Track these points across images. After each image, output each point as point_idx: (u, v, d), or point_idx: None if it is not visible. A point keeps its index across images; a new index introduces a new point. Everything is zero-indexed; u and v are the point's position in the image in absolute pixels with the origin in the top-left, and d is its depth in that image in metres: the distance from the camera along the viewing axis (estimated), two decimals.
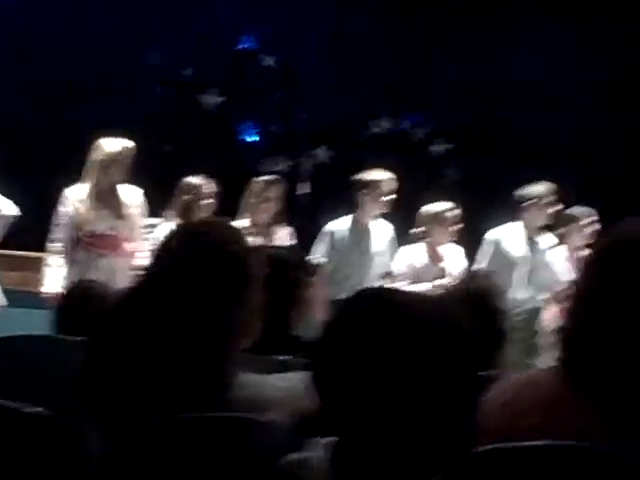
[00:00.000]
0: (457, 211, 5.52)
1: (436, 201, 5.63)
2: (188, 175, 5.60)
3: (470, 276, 3.96)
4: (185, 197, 5.48)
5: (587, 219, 5.61)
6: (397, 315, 1.36)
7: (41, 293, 5.17)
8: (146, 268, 1.90)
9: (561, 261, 5.60)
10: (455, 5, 7.84)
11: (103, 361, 1.76)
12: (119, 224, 5.20)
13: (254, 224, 5.50)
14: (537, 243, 5.65)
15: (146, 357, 1.73)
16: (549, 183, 5.61)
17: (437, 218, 5.45)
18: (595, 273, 1.74)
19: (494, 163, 7.25)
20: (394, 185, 5.52)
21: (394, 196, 5.50)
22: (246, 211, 5.59)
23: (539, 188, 5.57)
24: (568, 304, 1.80)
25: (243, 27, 8.16)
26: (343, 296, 5.59)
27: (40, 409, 1.67)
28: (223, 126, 8.07)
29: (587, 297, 1.72)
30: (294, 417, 1.69)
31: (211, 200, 5.49)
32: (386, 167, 5.97)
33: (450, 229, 5.46)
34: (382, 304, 1.39)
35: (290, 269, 2.52)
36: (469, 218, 6.02)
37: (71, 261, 5.11)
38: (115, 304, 1.86)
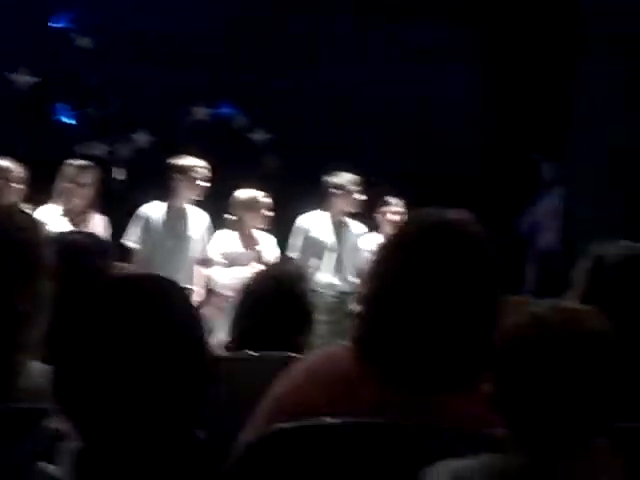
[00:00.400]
0: (268, 198, 5.60)
1: (255, 188, 5.69)
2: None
3: (278, 261, 4.03)
4: None
5: (397, 208, 5.88)
6: (127, 305, 1.31)
7: None
8: None
9: (372, 247, 5.80)
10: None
11: None
12: None
13: (67, 210, 5.38)
14: (347, 229, 5.86)
15: None
16: (353, 174, 5.83)
17: (248, 204, 5.52)
18: (385, 257, 1.82)
19: (312, 153, 7.38)
20: (208, 172, 5.52)
21: (208, 184, 5.51)
22: (59, 196, 5.44)
23: (344, 176, 5.78)
24: (366, 285, 1.87)
25: (57, 5, 7.88)
26: None
27: None
28: (37, 107, 7.77)
29: (380, 278, 1.79)
30: None
31: (21, 185, 5.29)
32: (206, 154, 5.97)
33: (262, 214, 5.53)
34: (116, 294, 1.34)
35: (88, 256, 2.47)
36: (287, 206, 6.12)
37: None
38: None
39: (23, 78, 7.67)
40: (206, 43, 7.97)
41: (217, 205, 5.76)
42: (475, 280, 1.75)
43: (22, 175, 5.32)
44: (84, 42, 7.87)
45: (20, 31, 7.61)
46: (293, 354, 2.49)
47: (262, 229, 5.61)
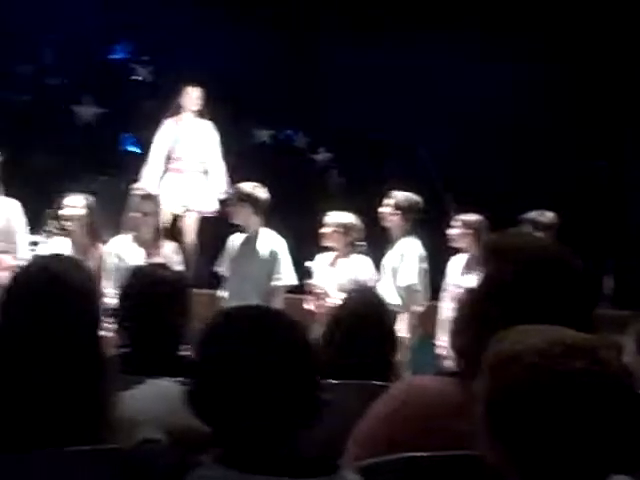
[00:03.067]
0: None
1: (322, 207, 5.62)
2: (68, 191, 5.45)
3: (356, 288, 3.97)
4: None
5: (456, 223, 5.56)
6: None
7: None
8: None
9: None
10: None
11: None
12: None
13: (137, 238, 5.39)
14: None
15: None
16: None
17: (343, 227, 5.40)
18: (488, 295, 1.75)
19: (373, 169, 7.35)
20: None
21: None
22: (128, 226, 5.50)
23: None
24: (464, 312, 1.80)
25: (115, 36, 7.98)
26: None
27: None
28: (102, 137, 7.87)
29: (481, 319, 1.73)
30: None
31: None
32: (269, 175, 5.94)
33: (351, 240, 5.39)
34: None
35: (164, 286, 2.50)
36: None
37: None
38: None
39: (88, 109, 7.79)
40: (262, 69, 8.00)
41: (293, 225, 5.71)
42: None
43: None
44: (142, 72, 7.97)
45: (80, 65, 7.74)
46: (381, 382, 2.46)
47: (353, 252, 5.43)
